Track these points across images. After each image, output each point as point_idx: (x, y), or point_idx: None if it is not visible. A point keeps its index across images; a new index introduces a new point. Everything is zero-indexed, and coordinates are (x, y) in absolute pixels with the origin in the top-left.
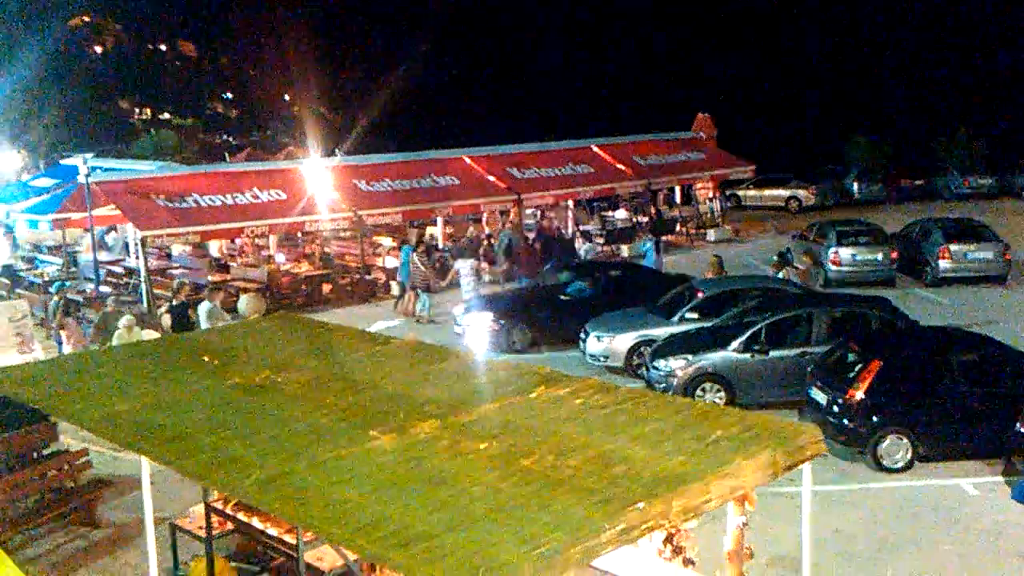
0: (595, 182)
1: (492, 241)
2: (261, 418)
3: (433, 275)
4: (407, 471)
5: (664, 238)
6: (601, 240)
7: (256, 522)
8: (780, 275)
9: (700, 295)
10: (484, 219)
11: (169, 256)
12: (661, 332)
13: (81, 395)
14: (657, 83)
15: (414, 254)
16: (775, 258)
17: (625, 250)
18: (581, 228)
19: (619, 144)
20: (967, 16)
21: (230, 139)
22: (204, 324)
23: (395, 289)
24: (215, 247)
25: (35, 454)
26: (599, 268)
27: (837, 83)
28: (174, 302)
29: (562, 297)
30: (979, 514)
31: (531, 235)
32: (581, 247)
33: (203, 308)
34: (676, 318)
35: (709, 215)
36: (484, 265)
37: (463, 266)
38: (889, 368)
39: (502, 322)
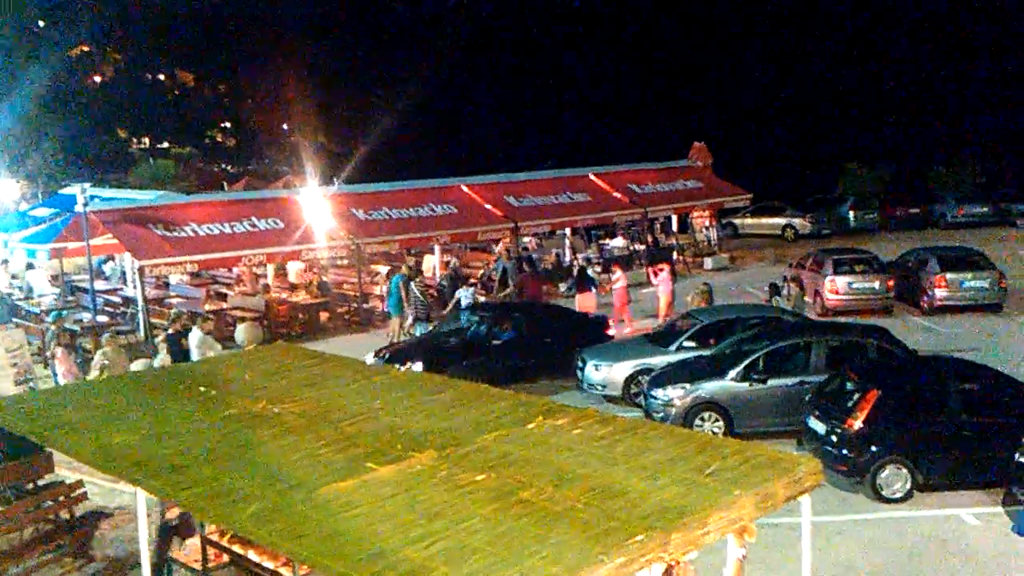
0: (592, 210)
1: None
2: (257, 450)
3: (429, 304)
4: (404, 503)
5: (657, 266)
6: (599, 268)
7: (252, 555)
8: (771, 303)
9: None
10: (499, 248)
11: (167, 285)
12: (659, 361)
13: (77, 426)
14: (653, 111)
15: (413, 284)
16: (767, 288)
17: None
18: (581, 256)
19: (616, 172)
20: (963, 45)
21: (228, 168)
22: (195, 353)
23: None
24: (293, 271)
25: (30, 485)
26: (517, 310)
27: (832, 111)
28: (170, 331)
29: (495, 342)
30: (979, 545)
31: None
32: (614, 277)
33: (193, 337)
34: (674, 347)
35: (706, 243)
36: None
37: (464, 295)
38: (887, 397)
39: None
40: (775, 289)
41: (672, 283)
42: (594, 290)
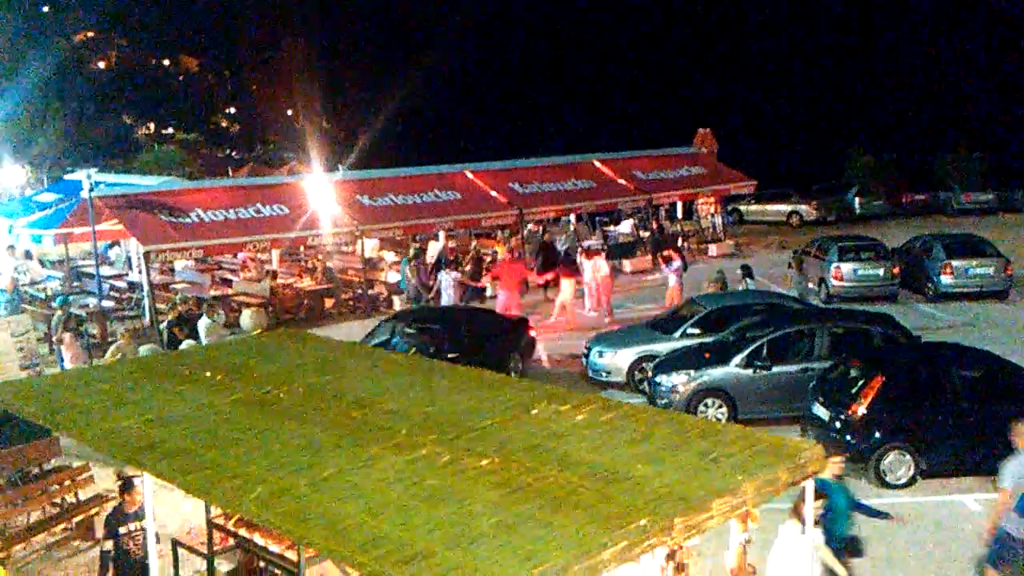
0: (596, 197)
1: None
2: (263, 434)
3: (423, 287)
4: (408, 488)
5: (665, 253)
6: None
7: (258, 538)
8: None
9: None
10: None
11: (172, 271)
12: (663, 347)
13: (83, 410)
14: (658, 98)
15: (407, 267)
16: (740, 270)
17: (627, 265)
18: (585, 244)
19: (621, 159)
20: (968, 33)
21: (233, 154)
22: (204, 339)
23: (397, 303)
24: (368, 246)
25: (37, 469)
26: (438, 318)
27: (838, 98)
28: (170, 317)
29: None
30: (982, 530)
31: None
32: (596, 264)
33: (202, 324)
34: (678, 333)
35: (711, 230)
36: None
37: (445, 278)
38: (891, 384)
39: None
40: (747, 271)
41: (682, 272)
42: (576, 276)
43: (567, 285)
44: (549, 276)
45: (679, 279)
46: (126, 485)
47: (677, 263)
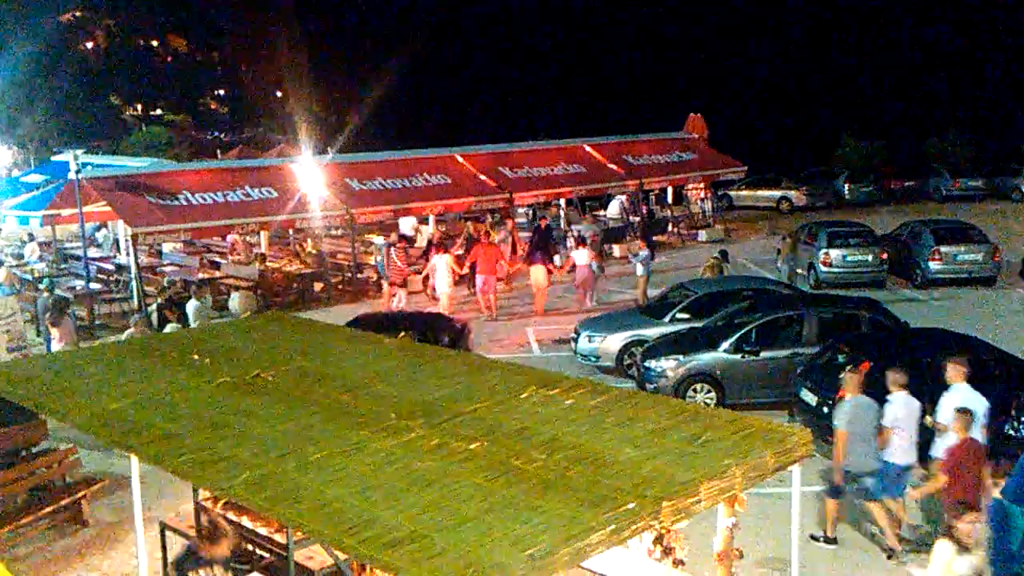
0: (587, 181)
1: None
2: (251, 417)
3: (407, 271)
4: (397, 471)
5: (655, 238)
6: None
7: (246, 521)
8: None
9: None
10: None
11: (160, 253)
12: (652, 332)
13: (71, 393)
14: (649, 83)
15: (393, 249)
16: (717, 254)
17: (617, 250)
18: (574, 228)
19: (611, 143)
20: (958, 18)
21: (222, 136)
22: (192, 322)
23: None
24: (406, 224)
25: (24, 452)
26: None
27: (828, 84)
28: (160, 300)
29: None
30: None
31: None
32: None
33: (191, 306)
34: (668, 318)
35: (701, 215)
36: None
37: (439, 261)
38: (879, 369)
39: None
40: (724, 255)
41: (649, 262)
42: (545, 263)
43: (535, 272)
44: (520, 265)
45: (646, 269)
46: (212, 536)
47: (644, 253)
